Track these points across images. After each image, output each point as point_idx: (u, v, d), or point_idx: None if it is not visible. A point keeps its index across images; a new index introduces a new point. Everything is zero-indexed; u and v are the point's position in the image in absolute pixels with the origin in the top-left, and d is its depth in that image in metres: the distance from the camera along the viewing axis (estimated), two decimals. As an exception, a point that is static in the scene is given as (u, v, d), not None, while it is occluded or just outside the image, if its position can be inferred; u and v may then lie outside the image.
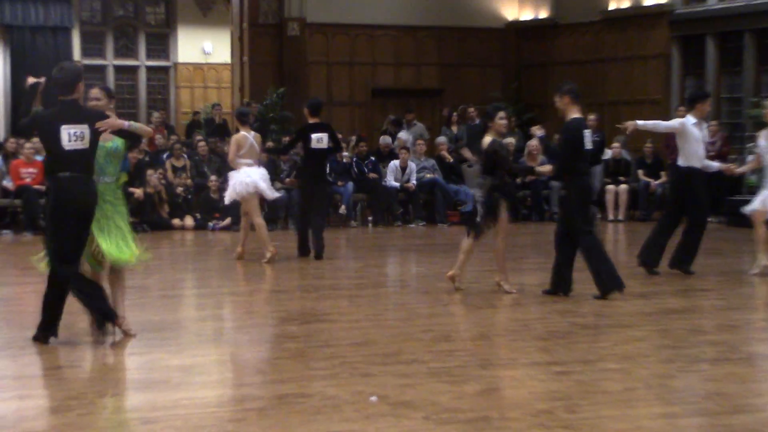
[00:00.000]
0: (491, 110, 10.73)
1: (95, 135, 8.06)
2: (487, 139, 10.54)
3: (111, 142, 8.45)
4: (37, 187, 16.93)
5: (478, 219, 10.51)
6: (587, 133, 10.51)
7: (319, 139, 13.52)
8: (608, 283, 10.26)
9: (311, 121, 13.69)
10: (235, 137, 13.36)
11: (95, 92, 8.58)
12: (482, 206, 10.47)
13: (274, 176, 16.75)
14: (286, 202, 17.60)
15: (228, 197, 13.38)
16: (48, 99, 8.49)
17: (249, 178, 13.02)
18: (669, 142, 18.87)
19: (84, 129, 8.00)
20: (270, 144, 18.31)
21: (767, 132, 12.15)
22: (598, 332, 8.72)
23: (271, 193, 13.49)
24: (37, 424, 6.03)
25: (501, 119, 10.57)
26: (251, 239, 13.56)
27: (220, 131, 21.26)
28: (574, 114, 10.54)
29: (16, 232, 17.01)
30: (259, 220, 13.29)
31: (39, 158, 17.18)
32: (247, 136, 13.15)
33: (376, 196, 18.94)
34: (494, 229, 10.57)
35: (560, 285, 10.47)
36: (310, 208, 13.74)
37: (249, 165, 13.14)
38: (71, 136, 7.95)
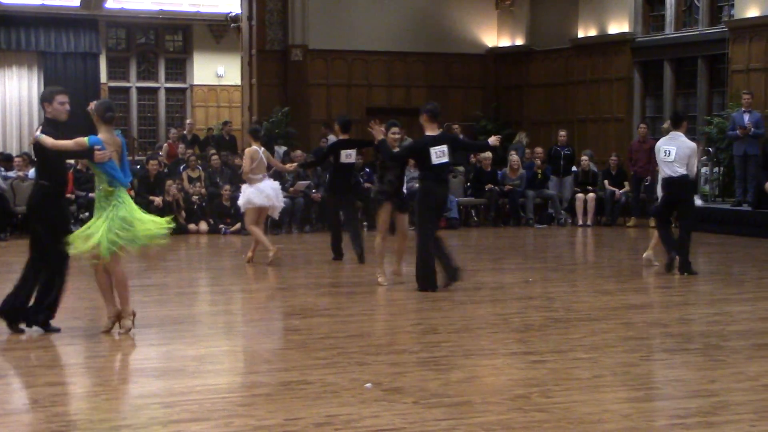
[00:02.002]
0: (388, 125, 11.11)
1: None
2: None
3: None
4: (67, 196, 16.79)
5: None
6: (433, 150, 10.45)
7: (348, 155, 13.44)
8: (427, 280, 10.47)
9: (342, 137, 13.58)
10: (248, 151, 13.22)
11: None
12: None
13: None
14: (290, 209, 17.55)
15: (243, 205, 13.22)
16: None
17: (264, 193, 12.91)
18: (632, 155, 18.90)
19: None
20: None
21: None
22: (569, 325, 8.69)
23: (278, 212, 13.49)
24: (66, 408, 5.99)
25: (393, 134, 11.06)
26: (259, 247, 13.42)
27: (229, 146, 21.23)
28: (429, 131, 10.66)
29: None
30: (254, 227, 13.08)
31: (69, 169, 17.13)
32: (258, 150, 13.01)
33: (370, 204, 18.84)
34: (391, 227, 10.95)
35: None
36: (344, 216, 13.68)
37: (260, 179, 12.96)
38: None
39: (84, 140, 8.13)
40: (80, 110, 9.11)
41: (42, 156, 8.22)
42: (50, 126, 8.24)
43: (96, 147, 8.07)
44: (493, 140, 10.97)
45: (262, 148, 13.18)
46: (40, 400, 6.14)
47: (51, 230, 8.19)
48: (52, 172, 8.28)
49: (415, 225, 10.89)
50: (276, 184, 13.36)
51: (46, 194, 8.21)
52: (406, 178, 18.75)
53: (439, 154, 10.46)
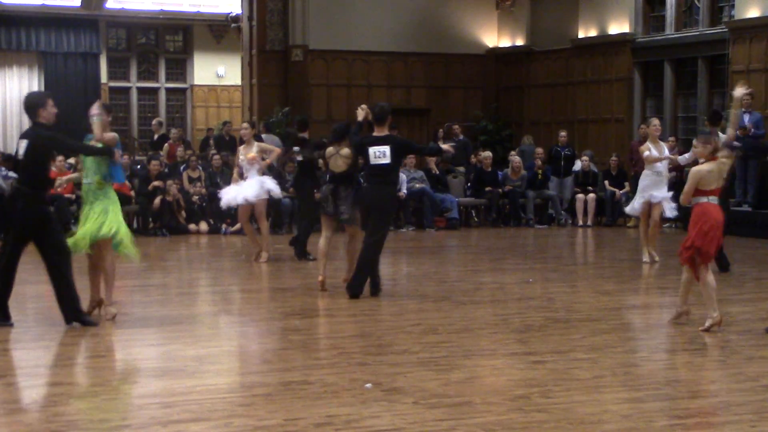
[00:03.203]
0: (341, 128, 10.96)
1: None
2: (346, 150, 10.63)
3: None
4: (68, 195, 16.85)
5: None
6: (371, 150, 10.23)
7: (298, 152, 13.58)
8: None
9: (301, 135, 13.74)
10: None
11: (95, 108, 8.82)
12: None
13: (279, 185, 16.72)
14: (290, 209, 17.55)
15: (225, 204, 13.61)
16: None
17: (245, 189, 13.04)
18: (632, 156, 18.90)
19: None
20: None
21: None
22: (569, 326, 8.68)
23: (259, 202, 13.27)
24: (66, 408, 5.99)
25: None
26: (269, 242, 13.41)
27: (229, 146, 21.22)
28: (376, 132, 10.41)
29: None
30: (246, 224, 13.35)
31: (69, 169, 17.14)
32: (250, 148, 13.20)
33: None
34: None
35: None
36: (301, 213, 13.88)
37: (252, 175, 13.12)
38: None
39: (116, 136, 8.74)
40: (82, 110, 9.25)
41: (38, 160, 8.38)
42: (48, 131, 8.34)
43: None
44: (446, 147, 10.97)
45: (257, 146, 13.30)
46: (40, 400, 6.14)
47: (56, 229, 8.48)
48: (38, 175, 8.44)
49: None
50: (262, 179, 13.30)
51: (35, 199, 8.35)
52: (406, 178, 18.86)
53: (378, 155, 10.31)
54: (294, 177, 14.26)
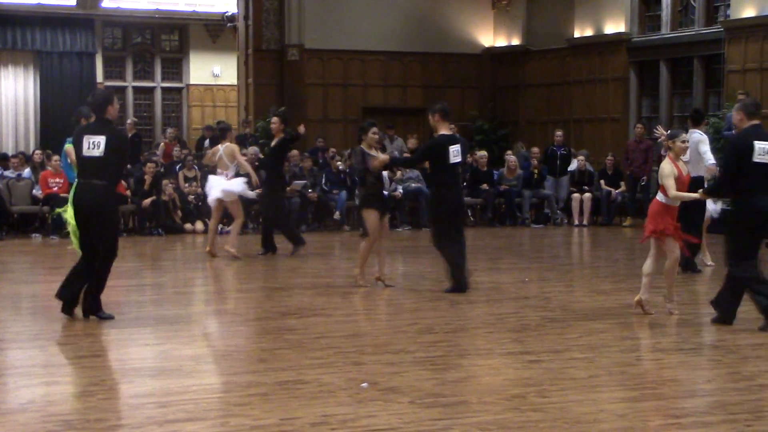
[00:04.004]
0: (366, 125, 10.86)
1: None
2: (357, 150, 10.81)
3: None
4: (63, 195, 16.83)
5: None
6: (453, 149, 10.40)
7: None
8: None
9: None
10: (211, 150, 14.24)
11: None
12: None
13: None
14: (286, 209, 17.54)
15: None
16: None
17: (215, 187, 13.55)
18: (628, 155, 18.93)
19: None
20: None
21: None
22: (565, 325, 8.69)
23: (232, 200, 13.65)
24: (62, 408, 5.98)
25: (374, 134, 10.74)
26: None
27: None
28: (443, 131, 10.59)
29: (44, 235, 16.91)
30: (212, 221, 13.93)
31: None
32: (218, 148, 13.62)
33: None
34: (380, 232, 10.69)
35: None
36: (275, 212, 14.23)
37: (220, 174, 13.51)
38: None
39: None
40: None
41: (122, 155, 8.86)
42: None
43: None
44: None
45: (224, 146, 13.57)
46: (35, 399, 6.13)
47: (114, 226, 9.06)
48: (119, 171, 8.97)
49: (433, 232, 10.70)
50: (226, 181, 13.55)
51: (111, 194, 8.73)
52: (403, 177, 18.86)
53: (455, 153, 10.44)
54: (265, 162, 14.59)
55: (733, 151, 8.59)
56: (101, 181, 8.50)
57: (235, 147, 13.77)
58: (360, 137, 10.80)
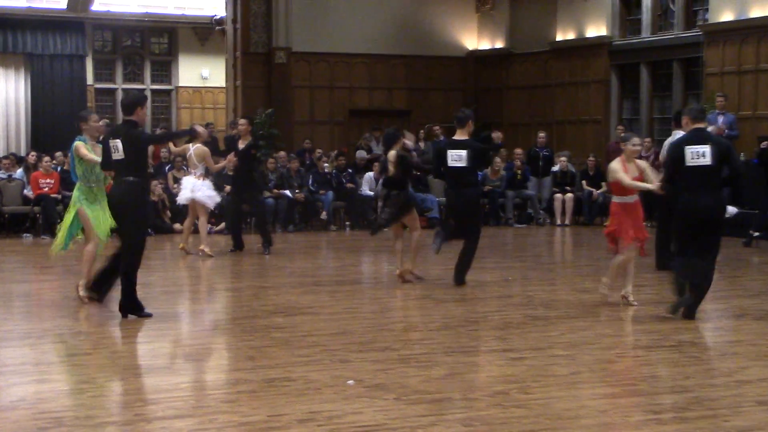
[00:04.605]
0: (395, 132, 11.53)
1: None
2: (392, 153, 11.00)
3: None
4: (54, 195, 16.79)
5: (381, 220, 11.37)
6: (452, 153, 10.70)
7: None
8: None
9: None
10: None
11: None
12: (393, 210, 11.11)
13: (263, 185, 16.73)
14: (274, 209, 17.54)
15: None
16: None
17: (186, 189, 13.88)
18: (609, 156, 18.96)
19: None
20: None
21: None
22: (547, 323, 8.71)
23: (208, 203, 14.02)
24: (53, 405, 5.96)
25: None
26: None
27: (211, 147, 21.10)
28: (455, 136, 10.98)
29: (35, 235, 16.86)
30: (187, 219, 14.30)
31: (56, 170, 17.11)
32: (189, 147, 13.89)
33: (352, 204, 18.89)
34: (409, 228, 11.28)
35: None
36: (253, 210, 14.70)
37: (191, 174, 13.87)
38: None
39: None
40: (69, 112, 9.56)
41: (140, 153, 8.90)
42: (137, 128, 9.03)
43: None
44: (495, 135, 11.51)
45: (194, 146, 13.76)
46: (26, 397, 6.11)
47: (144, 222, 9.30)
48: (143, 168, 9.02)
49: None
50: (196, 181, 13.79)
51: (142, 189, 9.01)
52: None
53: (455, 158, 10.66)
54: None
55: (668, 155, 9.37)
56: (130, 178, 8.74)
57: (205, 150, 13.84)
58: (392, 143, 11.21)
